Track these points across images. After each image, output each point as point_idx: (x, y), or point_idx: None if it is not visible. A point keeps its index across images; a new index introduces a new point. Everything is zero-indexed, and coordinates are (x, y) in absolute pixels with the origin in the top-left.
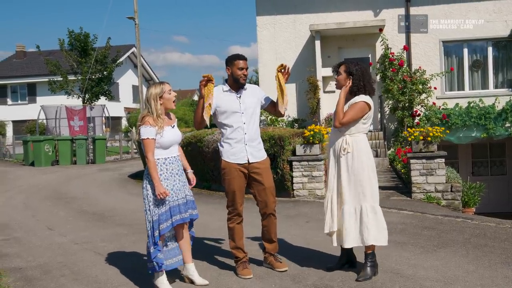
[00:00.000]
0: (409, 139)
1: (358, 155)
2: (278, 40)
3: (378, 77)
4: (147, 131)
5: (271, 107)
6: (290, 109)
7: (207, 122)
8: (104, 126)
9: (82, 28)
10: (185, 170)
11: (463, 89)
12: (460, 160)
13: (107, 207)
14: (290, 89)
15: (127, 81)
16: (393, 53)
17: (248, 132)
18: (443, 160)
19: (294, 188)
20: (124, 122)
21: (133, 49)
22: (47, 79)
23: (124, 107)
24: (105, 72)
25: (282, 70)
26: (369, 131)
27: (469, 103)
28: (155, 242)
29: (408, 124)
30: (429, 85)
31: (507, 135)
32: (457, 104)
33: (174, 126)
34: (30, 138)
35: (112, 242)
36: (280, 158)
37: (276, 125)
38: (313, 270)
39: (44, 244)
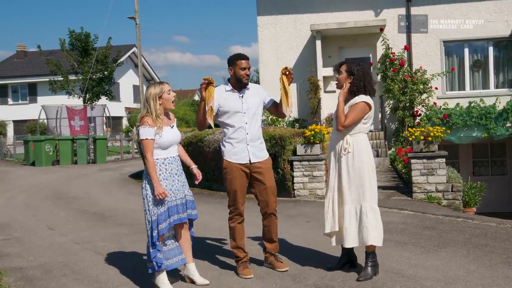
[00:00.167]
0: (410, 139)
1: (358, 155)
2: (279, 40)
3: (379, 77)
4: (146, 132)
5: (273, 108)
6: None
7: (212, 124)
8: (104, 126)
9: (83, 28)
10: (189, 167)
11: (464, 89)
12: (461, 160)
13: (108, 207)
14: (291, 89)
15: (127, 81)
16: (394, 53)
17: (250, 132)
18: (444, 160)
19: (294, 188)
20: (125, 122)
21: (134, 49)
22: (48, 79)
23: (125, 107)
24: (105, 72)
25: (287, 73)
26: (370, 131)
27: (470, 103)
28: (154, 242)
29: (409, 124)
30: (430, 85)
31: (507, 135)
32: (458, 104)
33: (173, 126)
34: (31, 138)
35: (112, 242)
36: (280, 158)
37: (276, 125)
38: (314, 270)
39: (44, 244)
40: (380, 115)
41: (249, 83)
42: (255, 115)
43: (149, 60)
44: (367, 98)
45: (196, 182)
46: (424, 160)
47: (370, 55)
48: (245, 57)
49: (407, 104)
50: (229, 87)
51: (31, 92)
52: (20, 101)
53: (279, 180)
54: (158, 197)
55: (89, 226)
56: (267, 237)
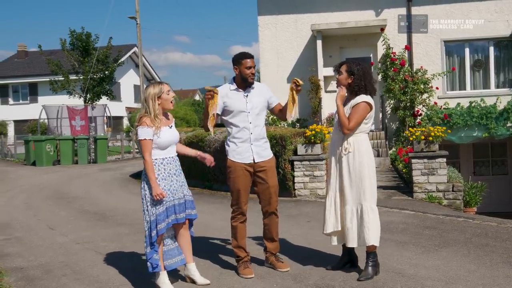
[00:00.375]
0: (411, 138)
1: (359, 155)
2: (280, 40)
3: (379, 77)
4: (144, 132)
5: (276, 110)
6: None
7: (211, 131)
8: (105, 126)
9: (84, 27)
10: (196, 156)
11: (464, 89)
12: (462, 159)
13: (109, 206)
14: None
15: (128, 80)
16: (395, 52)
17: (254, 132)
18: (445, 159)
19: (295, 187)
20: (125, 122)
21: (135, 48)
22: (48, 79)
23: (126, 107)
24: (106, 72)
25: (298, 85)
26: (371, 130)
27: (471, 102)
28: (152, 243)
29: (410, 124)
30: (430, 84)
31: (508, 134)
32: (458, 104)
33: (171, 126)
34: (32, 138)
35: (113, 242)
36: (281, 157)
37: (277, 125)
38: (315, 270)
39: (45, 244)
40: (381, 115)
41: (255, 82)
42: (259, 114)
43: (150, 60)
44: (367, 98)
45: (212, 164)
46: (425, 160)
47: (371, 55)
48: (250, 56)
49: (408, 104)
50: (233, 86)
51: (32, 92)
52: (21, 101)
53: (280, 180)
54: (155, 198)
55: (90, 226)
56: (268, 236)
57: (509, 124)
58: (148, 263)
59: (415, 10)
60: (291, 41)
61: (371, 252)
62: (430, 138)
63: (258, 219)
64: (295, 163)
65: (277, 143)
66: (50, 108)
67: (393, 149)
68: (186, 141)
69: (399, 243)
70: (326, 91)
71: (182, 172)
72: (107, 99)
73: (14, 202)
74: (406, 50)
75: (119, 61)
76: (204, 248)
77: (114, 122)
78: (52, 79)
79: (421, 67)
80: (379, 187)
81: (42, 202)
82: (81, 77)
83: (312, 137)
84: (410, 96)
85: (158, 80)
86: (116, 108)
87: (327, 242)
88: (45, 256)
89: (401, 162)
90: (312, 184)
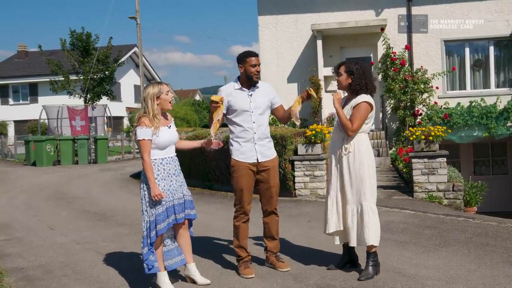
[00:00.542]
0: (411, 138)
1: (359, 155)
2: (280, 40)
3: (379, 77)
4: (142, 132)
5: (277, 112)
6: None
7: (212, 135)
8: (106, 126)
9: (84, 28)
10: (201, 147)
11: (464, 89)
12: (462, 159)
13: (109, 207)
14: (292, 89)
15: (128, 81)
16: (395, 52)
17: (257, 132)
18: (445, 159)
19: (296, 187)
20: (126, 122)
21: (135, 49)
22: (48, 79)
23: (126, 107)
24: (106, 72)
25: (309, 97)
26: (371, 130)
27: (471, 102)
28: (150, 243)
29: (410, 124)
30: (430, 84)
31: (508, 134)
32: (458, 104)
33: (170, 126)
34: (32, 138)
35: (113, 242)
36: (282, 157)
37: (277, 125)
38: (315, 270)
39: (45, 244)
40: (381, 115)
41: (260, 82)
42: (263, 114)
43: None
44: (368, 98)
45: (220, 145)
46: (425, 160)
47: (371, 55)
48: (255, 54)
49: (408, 104)
50: (238, 85)
51: (32, 92)
52: (21, 101)
53: (280, 180)
54: (154, 198)
55: (90, 226)
56: (268, 235)
57: (509, 124)
58: (144, 264)
59: (415, 10)
60: (291, 41)
61: (371, 252)
62: (430, 138)
63: (259, 219)
64: (296, 163)
65: (278, 143)
66: (50, 108)
67: (393, 149)
68: None
69: (399, 243)
70: (326, 91)
71: (181, 172)
72: (107, 99)
73: (15, 202)
74: (406, 50)
75: (119, 61)
76: (204, 248)
77: (114, 122)
78: (52, 79)
79: (421, 67)
80: (379, 186)
81: (42, 202)
82: (81, 77)
83: (313, 137)
84: (410, 95)
85: (158, 80)
86: (116, 108)
87: (327, 242)
88: (45, 256)
89: (402, 162)
90: (313, 184)
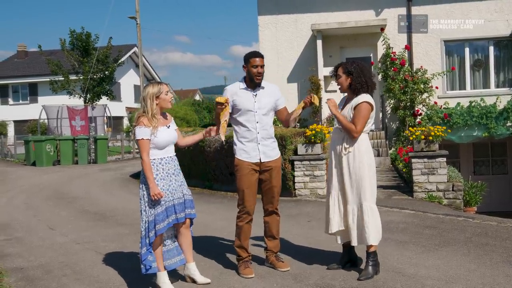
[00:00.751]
0: (411, 138)
1: (359, 155)
2: (280, 40)
3: (379, 77)
4: (141, 132)
5: (280, 114)
6: (291, 109)
7: (223, 138)
8: (105, 126)
9: (84, 27)
10: (204, 137)
11: (464, 89)
12: (462, 159)
13: (109, 206)
14: (292, 89)
15: (128, 80)
16: (395, 52)
17: (261, 132)
18: (445, 159)
19: (296, 187)
20: (125, 122)
21: (135, 48)
22: (48, 79)
23: (126, 107)
24: (106, 72)
25: (311, 103)
26: (371, 130)
27: (471, 102)
28: (149, 243)
29: (410, 124)
30: (430, 84)
31: (508, 134)
32: (458, 104)
33: (169, 126)
34: (32, 138)
35: (113, 242)
36: (281, 157)
37: (277, 125)
38: (315, 269)
39: (45, 244)
40: (381, 115)
41: (266, 83)
42: (267, 115)
43: (150, 60)
44: (368, 98)
45: (222, 135)
46: (425, 160)
47: (371, 55)
48: (259, 55)
49: (408, 104)
50: (243, 84)
51: (32, 92)
52: (20, 101)
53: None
54: (153, 198)
55: (90, 226)
56: (269, 234)
57: (509, 124)
58: (141, 264)
59: (415, 10)
60: (291, 41)
61: (371, 252)
62: (430, 138)
63: (259, 218)
64: (295, 162)
65: (277, 143)
66: (50, 108)
67: (393, 148)
68: None
69: (399, 243)
70: (326, 91)
71: (180, 171)
72: (107, 99)
73: (14, 202)
74: (406, 50)
75: (119, 61)
76: (204, 248)
77: (114, 122)
78: (52, 79)
79: (421, 66)
80: (379, 186)
81: (42, 202)
82: (81, 77)
83: (312, 137)
84: (410, 95)
85: (158, 80)
86: (116, 108)
87: (327, 242)
88: (45, 256)
89: (401, 162)
90: (312, 183)
